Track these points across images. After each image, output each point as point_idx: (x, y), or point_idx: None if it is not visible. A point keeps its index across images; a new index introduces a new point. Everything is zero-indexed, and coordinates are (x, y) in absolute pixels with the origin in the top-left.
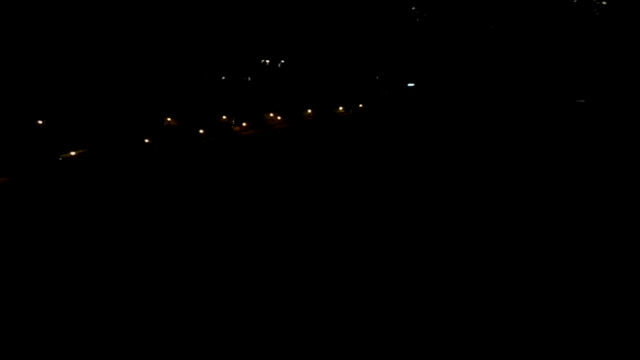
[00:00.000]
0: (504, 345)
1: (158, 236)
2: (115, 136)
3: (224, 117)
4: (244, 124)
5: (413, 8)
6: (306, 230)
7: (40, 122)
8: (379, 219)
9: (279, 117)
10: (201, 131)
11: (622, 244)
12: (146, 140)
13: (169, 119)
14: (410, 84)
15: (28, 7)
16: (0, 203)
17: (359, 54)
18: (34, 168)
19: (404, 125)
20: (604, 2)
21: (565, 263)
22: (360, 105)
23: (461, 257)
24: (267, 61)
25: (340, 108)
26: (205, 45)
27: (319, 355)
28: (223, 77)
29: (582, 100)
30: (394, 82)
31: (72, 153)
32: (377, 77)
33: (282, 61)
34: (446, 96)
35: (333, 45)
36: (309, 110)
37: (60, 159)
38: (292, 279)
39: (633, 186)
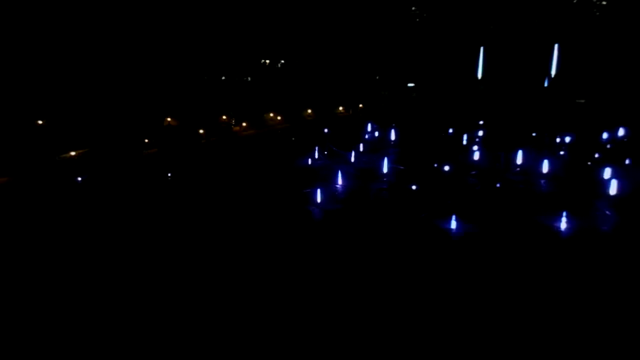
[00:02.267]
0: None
1: (158, 236)
2: (115, 136)
3: (224, 117)
4: (244, 124)
5: (413, 8)
6: (306, 230)
7: (40, 122)
8: (379, 218)
9: (279, 117)
10: (201, 131)
11: (622, 244)
12: (146, 140)
13: (169, 119)
14: (410, 84)
15: (28, 7)
16: (0, 203)
17: (359, 54)
18: (34, 168)
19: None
20: (604, 2)
21: (564, 263)
22: (360, 105)
23: (460, 255)
24: (267, 61)
25: (340, 108)
26: (205, 45)
27: (320, 356)
28: (223, 77)
29: (582, 100)
30: (394, 82)
31: (72, 153)
32: (377, 77)
33: (282, 61)
34: (446, 96)
35: (333, 46)
36: (309, 110)
37: (58, 159)
38: (292, 279)
39: (633, 186)
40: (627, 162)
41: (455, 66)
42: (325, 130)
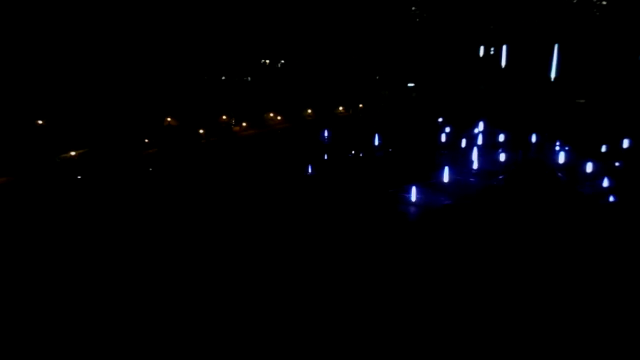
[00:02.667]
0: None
1: (158, 236)
2: (115, 136)
3: (224, 117)
4: (244, 124)
5: (413, 8)
6: (306, 230)
7: (40, 122)
8: (379, 218)
9: (279, 117)
10: (201, 131)
11: (622, 244)
12: (146, 140)
13: (169, 119)
14: (410, 84)
15: (28, 7)
16: (0, 203)
17: (359, 54)
18: (34, 168)
19: (404, 124)
20: (604, 2)
21: (564, 263)
22: (360, 105)
23: (461, 254)
24: (267, 61)
25: (340, 108)
26: (205, 45)
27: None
28: (223, 77)
29: (582, 100)
30: (394, 82)
31: (72, 153)
32: (377, 77)
33: (282, 61)
34: (446, 96)
35: (333, 46)
36: (309, 110)
37: (58, 160)
38: (292, 279)
39: (633, 187)
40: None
41: (455, 66)
42: (326, 134)
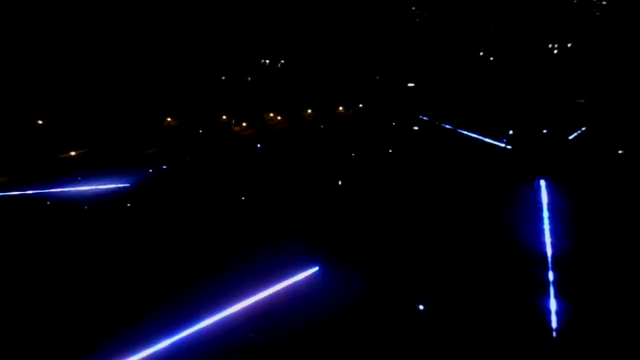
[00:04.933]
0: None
1: (158, 236)
2: (116, 136)
3: (224, 117)
4: (244, 124)
5: (413, 8)
6: (305, 230)
7: (40, 122)
8: (379, 218)
9: (279, 117)
10: (201, 131)
11: (622, 243)
12: (146, 140)
13: (169, 119)
14: (410, 84)
15: (28, 7)
16: (0, 203)
17: (359, 54)
18: (34, 168)
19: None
20: (604, 2)
21: (565, 263)
22: (360, 105)
23: (460, 256)
24: (267, 61)
25: (340, 108)
26: (205, 45)
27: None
28: (223, 77)
29: (582, 100)
30: (394, 82)
31: (72, 153)
32: (377, 77)
33: (282, 61)
34: (446, 96)
35: (333, 46)
36: (309, 110)
37: (58, 159)
38: (291, 278)
39: (633, 186)
40: None
41: (456, 66)
42: None
